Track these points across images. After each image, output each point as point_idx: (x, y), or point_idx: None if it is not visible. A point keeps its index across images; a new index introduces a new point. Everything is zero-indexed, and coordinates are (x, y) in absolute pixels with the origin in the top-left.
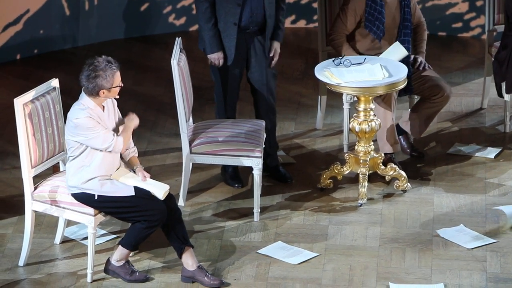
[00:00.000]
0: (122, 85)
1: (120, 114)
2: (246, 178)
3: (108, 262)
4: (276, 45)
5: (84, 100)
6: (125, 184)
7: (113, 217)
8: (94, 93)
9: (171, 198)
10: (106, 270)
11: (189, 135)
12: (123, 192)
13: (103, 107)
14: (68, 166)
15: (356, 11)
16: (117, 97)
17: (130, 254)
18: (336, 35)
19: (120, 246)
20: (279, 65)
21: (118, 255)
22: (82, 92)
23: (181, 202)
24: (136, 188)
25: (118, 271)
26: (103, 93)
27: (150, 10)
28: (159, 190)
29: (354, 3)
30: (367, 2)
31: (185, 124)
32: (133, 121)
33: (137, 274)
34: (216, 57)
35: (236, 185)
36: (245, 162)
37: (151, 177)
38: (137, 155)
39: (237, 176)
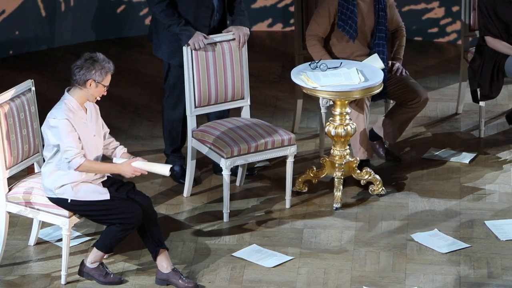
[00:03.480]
0: (105, 93)
1: (103, 122)
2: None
3: (82, 264)
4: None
5: (67, 98)
6: (100, 187)
7: (88, 219)
8: (81, 82)
9: (147, 200)
10: (80, 272)
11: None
12: (98, 196)
13: (86, 109)
14: (43, 170)
15: (330, 11)
16: (98, 98)
17: (105, 257)
18: (310, 39)
19: (94, 248)
20: (256, 68)
21: (93, 257)
22: (66, 92)
23: (185, 193)
24: (111, 192)
25: (92, 273)
26: (90, 84)
27: (126, 12)
28: (164, 168)
29: (328, 3)
30: (340, 1)
31: (192, 106)
32: (128, 171)
33: (111, 276)
34: (197, 39)
35: (181, 181)
36: (217, 159)
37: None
38: (126, 150)
39: (183, 174)
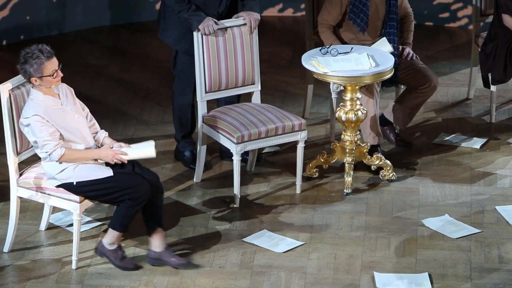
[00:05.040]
0: (61, 74)
1: (80, 102)
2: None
3: (99, 242)
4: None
5: (33, 94)
6: (102, 166)
7: (98, 201)
8: (27, 80)
9: (154, 176)
10: (96, 251)
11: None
12: (102, 174)
13: (58, 95)
14: (43, 164)
15: (342, 2)
16: (55, 85)
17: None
18: (321, 26)
19: (110, 229)
20: (266, 53)
21: (109, 237)
22: (31, 89)
23: (196, 178)
24: (113, 168)
25: (109, 255)
26: (36, 80)
27: None
28: (148, 149)
29: None
30: None
31: (203, 91)
32: (109, 154)
33: (127, 260)
34: (208, 24)
35: (192, 166)
36: (227, 144)
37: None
38: (107, 134)
39: (193, 160)
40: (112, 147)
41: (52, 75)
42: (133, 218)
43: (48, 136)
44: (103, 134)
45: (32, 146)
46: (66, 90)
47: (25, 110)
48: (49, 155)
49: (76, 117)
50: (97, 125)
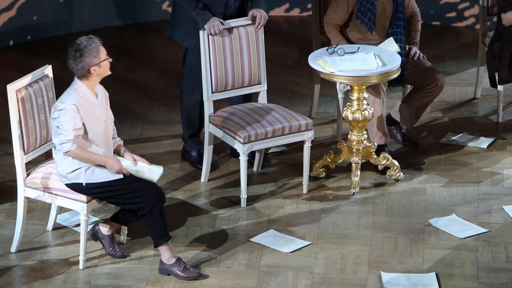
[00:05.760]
0: (111, 59)
1: (110, 110)
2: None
3: (159, 262)
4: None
5: (77, 84)
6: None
7: (107, 202)
8: (85, 73)
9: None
10: (159, 270)
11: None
12: (111, 176)
13: (96, 94)
14: (56, 158)
15: (349, 2)
16: (109, 72)
17: (122, 240)
18: (328, 26)
19: (159, 247)
20: (273, 53)
21: (163, 254)
22: (76, 79)
23: (203, 178)
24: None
25: (171, 270)
26: (94, 70)
27: None
28: (154, 173)
29: None
30: None
31: (209, 91)
32: (115, 166)
33: (190, 270)
34: (213, 24)
35: (198, 166)
36: (234, 144)
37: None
38: (122, 143)
39: (200, 160)
40: (123, 155)
41: (107, 59)
42: (164, 222)
43: (71, 130)
44: (118, 142)
45: (39, 146)
46: (103, 94)
47: (65, 95)
48: (60, 144)
49: (104, 121)
50: (115, 131)
